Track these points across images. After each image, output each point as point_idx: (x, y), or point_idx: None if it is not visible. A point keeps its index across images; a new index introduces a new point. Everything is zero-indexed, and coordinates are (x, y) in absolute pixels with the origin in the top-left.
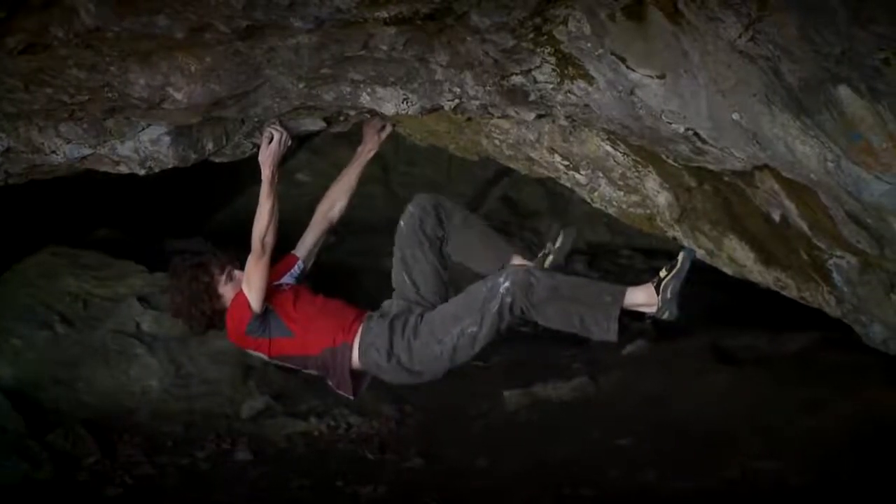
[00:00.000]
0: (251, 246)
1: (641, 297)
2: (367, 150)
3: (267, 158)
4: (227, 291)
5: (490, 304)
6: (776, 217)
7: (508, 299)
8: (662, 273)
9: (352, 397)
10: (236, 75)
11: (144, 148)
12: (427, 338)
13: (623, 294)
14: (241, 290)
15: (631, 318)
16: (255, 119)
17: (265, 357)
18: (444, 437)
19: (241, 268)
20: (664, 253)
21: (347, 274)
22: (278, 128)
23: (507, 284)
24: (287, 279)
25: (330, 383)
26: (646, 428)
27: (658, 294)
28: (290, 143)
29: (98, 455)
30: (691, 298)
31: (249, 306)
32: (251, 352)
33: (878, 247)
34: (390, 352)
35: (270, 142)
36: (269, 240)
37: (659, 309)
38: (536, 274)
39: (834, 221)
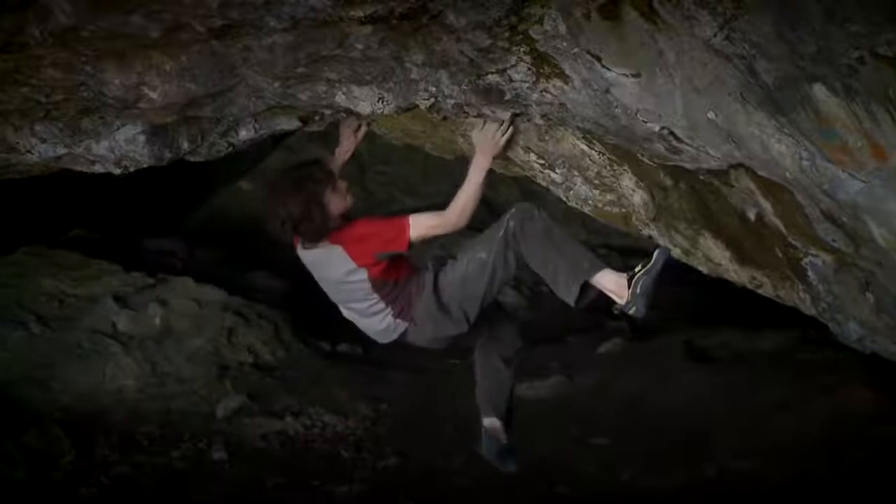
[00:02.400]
0: (448, 212)
1: (612, 284)
2: (344, 150)
3: (491, 147)
4: (331, 200)
5: (497, 232)
6: (752, 216)
7: (512, 223)
8: (637, 269)
9: (411, 324)
10: (211, 74)
11: (120, 147)
12: (450, 269)
13: (599, 270)
14: (406, 222)
15: (605, 313)
16: (231, 118)
17: (365, 278)
18: (419, 435)
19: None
20: (640, 252)
21: None
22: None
23: (513, 211)
24: None
25: (391, 312)
26: (622, 427)
27: (629, 288)
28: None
29: (74, 455)
30: (667, 297)
31: (408, 242)
32: (356, 272)
33: (853, 245)
34: (434, 284)
35: (488, 130)
36: (464, 222)
37: (627, 303)
38: (540, 210)
39: (809, 220)
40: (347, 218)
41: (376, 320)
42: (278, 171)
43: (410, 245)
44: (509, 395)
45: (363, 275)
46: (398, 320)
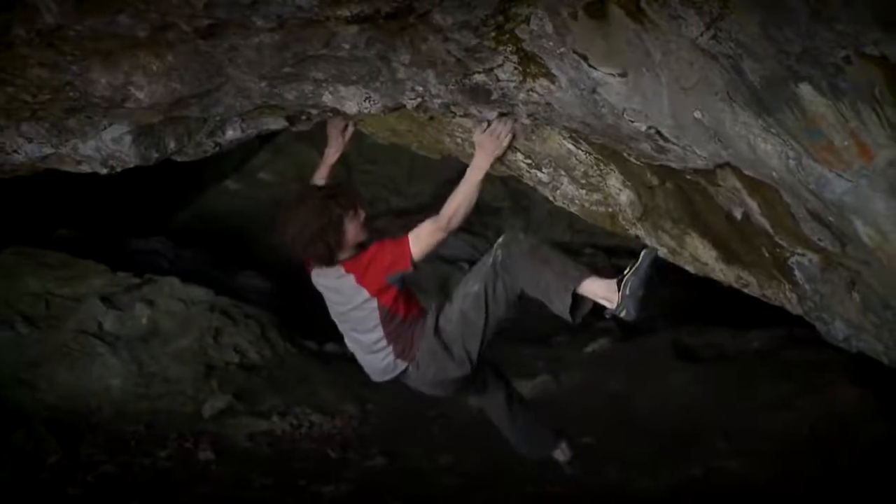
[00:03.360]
0: (442, 213)
1: (601, 290)
2: (333, 152)
3: (495, 148)
4: (349, 228)
5: (487, 261)
6: (738, 215)
7: (500, 251)
8: (625, 271)
9: (409, 364)
10: (198, 74)
11: (106, 147)
12: (448, 309)
13: (587, 276)
14: (406, 240)
15: (593, 314)
16: (217, 118)
17: (375, 308)
18: (406, 435)
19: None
20: (627, 251)
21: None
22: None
23: (500, 241)
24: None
25: (393, 351)
26: (609, 426)
27: (618, 291)
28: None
29: (60, 454)
30: (653, 297)
31: (411, 259)
32: (367, 301)
33: (840, 245)
34: (436, 326)
35: (493, 131)
36: (457, 222)
37: (618, 306)
38: (526, 233)
39: (795, 219)
40: (363, 247)
41: (378, 358)
42: (300, 188)
43: (415, 264)
44: (534, 417)
45: (374, 304)
46: (398, 360)
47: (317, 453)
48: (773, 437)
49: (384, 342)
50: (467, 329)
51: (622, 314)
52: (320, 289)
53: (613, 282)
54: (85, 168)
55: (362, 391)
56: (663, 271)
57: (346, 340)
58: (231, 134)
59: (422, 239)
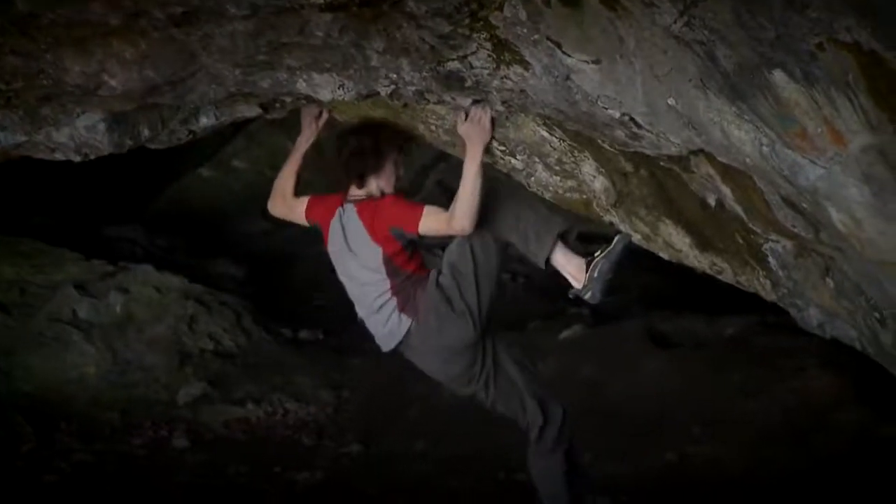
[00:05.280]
0: (450, 213)
1: (571, 266)
2: (306, 138)
3: (483, 135)
4: (387, 168)
5: None
6: (712, 202)
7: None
8: (596, 253)
9: (413, 321)
10: (172, 62)
11: (80, 135)
12: (443, 266)
13: (566, 226)
14: (422, 209)
15: (567, 301)
16: (191, 105)
17: (380, 257)
18: (381, 422)
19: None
20: (602, 238)
21: (283, 259)
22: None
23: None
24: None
25: (397, 304)
26: (582, 413)
27: (587, 271)
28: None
29: (35, 442)
30: (627, 282)
31: (417, 226)
32: (371, 247)
33: (814, 231)
34: (437, 281)
35: (473, 119)
36: (468, 224)
37: (584, 287)
38: (508, 177)
39: (769, 206)
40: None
41: (383, 316)
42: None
43: (420, 234)
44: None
45: (380, 253)
46: (402, 315)
47: (292, 440)
48: (747, 423)
49: (388, 294)
50: (461, 280)
51: (587, 296)
52: (333, 248)
53: (583, 261)
54: (59, 156)
55: (338, 378)
56: (632, 255)
57: (357, 307)
58: (205, 121)
59: (430, 219)
